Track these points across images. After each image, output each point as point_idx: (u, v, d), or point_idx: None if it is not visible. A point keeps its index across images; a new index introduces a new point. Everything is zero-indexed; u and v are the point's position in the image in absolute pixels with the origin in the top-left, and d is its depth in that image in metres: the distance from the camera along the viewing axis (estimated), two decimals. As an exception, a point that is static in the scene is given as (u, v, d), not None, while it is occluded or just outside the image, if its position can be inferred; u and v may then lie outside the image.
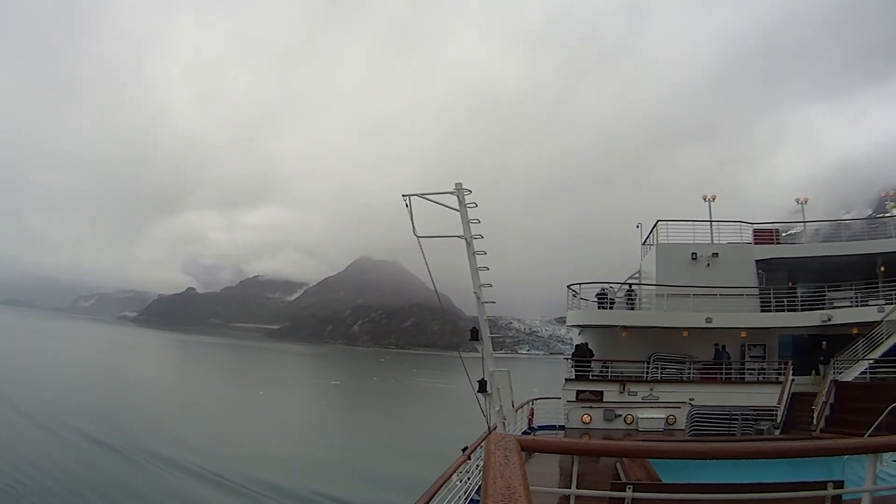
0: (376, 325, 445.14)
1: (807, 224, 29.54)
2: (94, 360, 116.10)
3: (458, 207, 15.25)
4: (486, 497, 2.97)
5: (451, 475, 10.30)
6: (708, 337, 25.39)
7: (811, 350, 25.24)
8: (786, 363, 23.68)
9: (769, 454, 6.10)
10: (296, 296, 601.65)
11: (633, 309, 27.05)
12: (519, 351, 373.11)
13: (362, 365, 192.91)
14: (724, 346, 25.61)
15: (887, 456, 11.51)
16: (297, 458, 42.90)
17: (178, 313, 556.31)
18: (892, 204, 30.08)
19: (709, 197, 28.97)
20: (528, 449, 3.98)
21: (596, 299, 27.08)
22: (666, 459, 9.14)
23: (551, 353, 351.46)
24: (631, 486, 5.64)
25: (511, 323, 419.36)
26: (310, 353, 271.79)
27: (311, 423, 63.57)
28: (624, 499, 5.71)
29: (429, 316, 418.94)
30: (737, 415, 21.46)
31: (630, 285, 28.31)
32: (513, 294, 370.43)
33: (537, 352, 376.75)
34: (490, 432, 15.04)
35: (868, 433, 14.56)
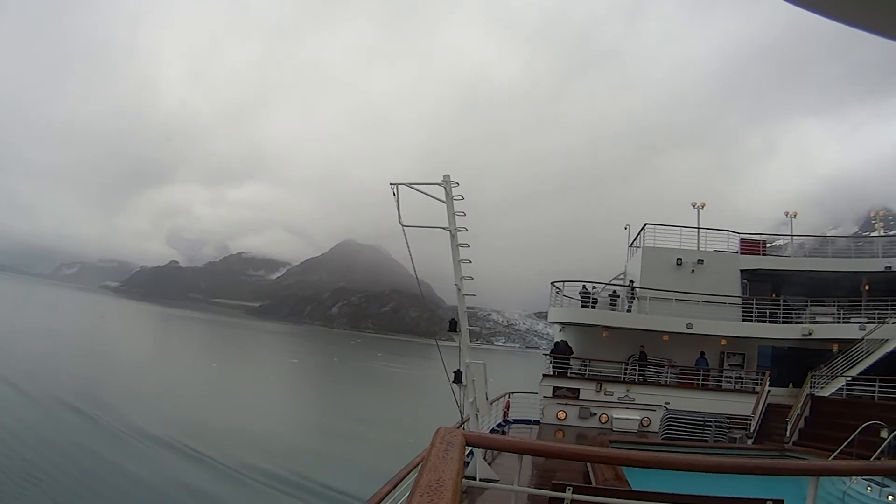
0: (355, 308, 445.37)
1: (794, 238, 29.63)
2: (69, 329, 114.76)
3: (444, 199, 15.05)
4: (415, 489, 3.01)
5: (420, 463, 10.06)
6: (689, 342, 25.39)
7: (790, 362, 25.32)
8: (763, 374, 23.74)
9: (708, 468, 5.93)
10: (278, 275, 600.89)
11: (615, 309, 27.02)
12: (495, 342, 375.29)
13: (330, 346, 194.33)
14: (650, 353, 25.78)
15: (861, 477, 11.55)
16: (220, 425, 43.59)
17: (160, 286, 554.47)
18: (881, 223, 30.19)
19: (698, 204, 28.89)
20: (473, 445, 3.91)
21: (579, 297, 27.03)
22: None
23: (527, 347, 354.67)
24: (570, 488, 5.51)
25: (490, 315, 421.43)
26: (284, 331, 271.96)
27: (250, 395, 64.32)
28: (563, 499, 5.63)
29: (408, 303, 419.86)
30: (711, 422, 21.45)
31: (632, 285, 27.99)
32: (494, 286, 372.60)
33: (513, 344, 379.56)
34: (462, 423, 14.92)
35: (840, 449, 14.59)
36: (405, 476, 8.84)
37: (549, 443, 4.02)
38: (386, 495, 8.02)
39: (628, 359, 25.69)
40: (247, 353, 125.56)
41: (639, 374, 25.11)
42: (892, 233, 30.36)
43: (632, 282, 27.22)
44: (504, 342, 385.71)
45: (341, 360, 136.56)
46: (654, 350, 26.03)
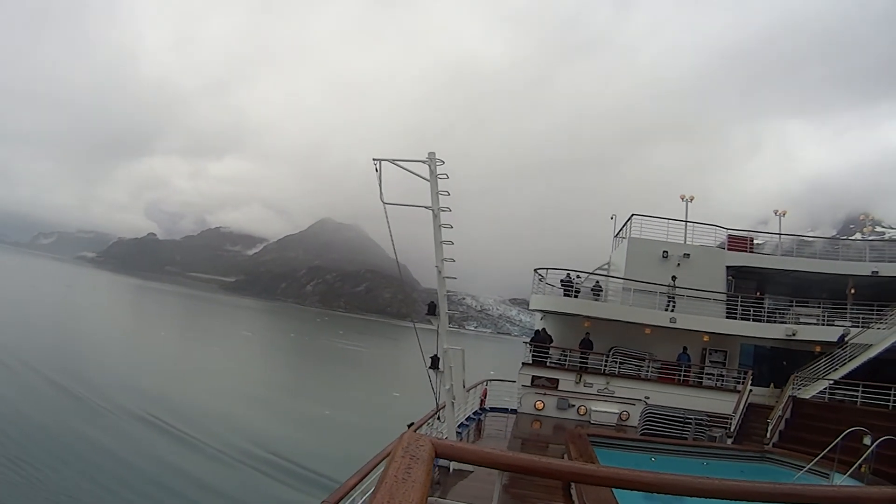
0: (329, 286, 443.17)
1: (781, 237, 29.32)
2: (40, 301, 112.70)
3: (428, 177, 14.32)
4: None
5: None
6: (672, 336, 24.96)
7: (772, 362, 25.07)
8: (745, 372, 23.48)
9: (731, 494, 5.20)
10: (255, 251, 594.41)
11: (598, 299, 26.51)
12: (466, 327, 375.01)
13: (293, 322, 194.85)
14: None
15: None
16: (143, 387, 45.22)
17: (137, 258, 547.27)
18: (870, 227, 30.05)
19: (686, 197, 28.54)
20: (444, 456, 3.17)
21: (561, 286, 26.44)
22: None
23: (498, 333, 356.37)
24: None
25: (464, 299, 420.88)
26: (253, 307, 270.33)
27: (186, 362, 65.31)
28: None
29: (382, 283, 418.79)
30: (691, 419, 21.09)
31: (673, 282, 26.79)
32: (469, 270, 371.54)
33: (485, 329, 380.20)
34: (438, 411, 14.46)
35: (822, 454, 14.19)
36: (356, 483, 7.86)
37: (532, 457, 3.27)
38: None
39: (610, 350, 25.25)
40: (200, 325, 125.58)
41: (583, 363, 24.79)
42: (870, 237, 30.02)
43: (674, 277, 26.41)
44: (476, 327, 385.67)
45: (298, 335, 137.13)
46: (635, 342, 25.67)
